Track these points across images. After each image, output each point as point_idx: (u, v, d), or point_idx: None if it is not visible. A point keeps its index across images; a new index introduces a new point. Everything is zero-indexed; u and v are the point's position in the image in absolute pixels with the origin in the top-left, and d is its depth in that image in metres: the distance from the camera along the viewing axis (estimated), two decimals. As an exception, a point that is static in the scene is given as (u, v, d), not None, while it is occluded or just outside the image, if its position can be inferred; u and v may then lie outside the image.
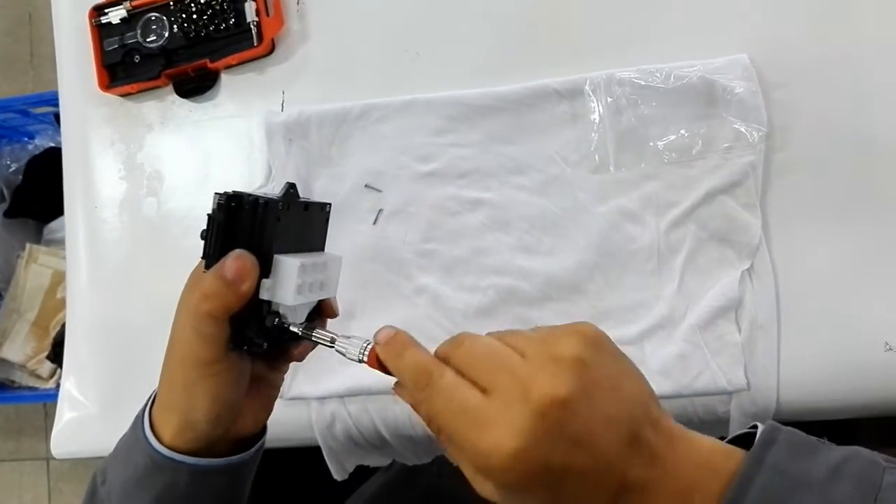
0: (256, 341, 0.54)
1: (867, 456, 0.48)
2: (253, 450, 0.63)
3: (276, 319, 0.54)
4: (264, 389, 0.63)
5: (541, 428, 0.43)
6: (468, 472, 0.47)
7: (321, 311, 0.61)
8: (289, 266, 0.53)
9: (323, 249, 0.59)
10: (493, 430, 0.44)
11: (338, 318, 0.62)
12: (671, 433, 0.47)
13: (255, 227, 0.53)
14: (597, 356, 0.46)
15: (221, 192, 0.53)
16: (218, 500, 0.62)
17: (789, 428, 0.49)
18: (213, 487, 0.60)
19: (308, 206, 0.57)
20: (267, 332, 0.54)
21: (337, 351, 0.54)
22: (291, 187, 0.55)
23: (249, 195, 0.53)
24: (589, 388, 0.44)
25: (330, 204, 0.59)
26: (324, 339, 0.55)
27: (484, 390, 0.45)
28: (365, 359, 0.52)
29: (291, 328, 0.55)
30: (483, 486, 0.46)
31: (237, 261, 0.52)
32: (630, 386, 0.47)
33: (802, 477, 0.45)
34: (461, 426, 0.45)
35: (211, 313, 0.53)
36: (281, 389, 0.66)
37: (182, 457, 0.58)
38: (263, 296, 0.53)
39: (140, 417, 0.61)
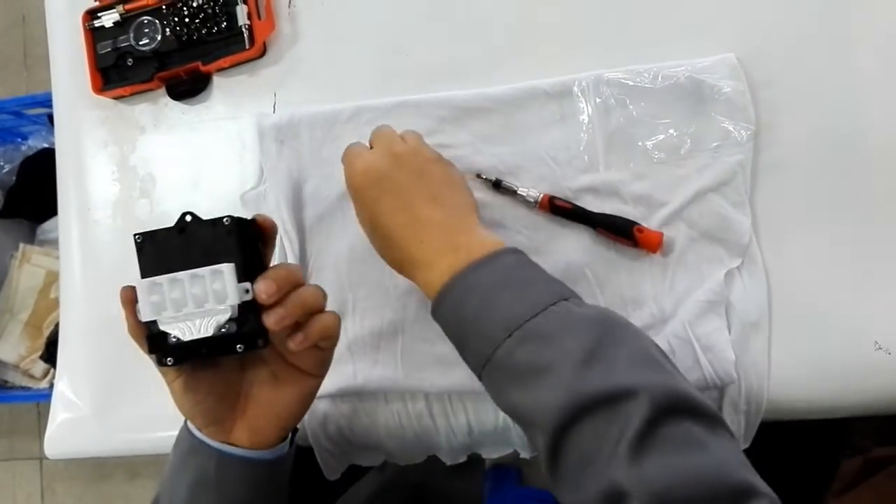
0: (161, 358, 0.60)
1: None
2: (273, 451, 0.67)
3: (149, 332, 0.60)
4: (285, 390, 0.67)
5: (386, 162, 0.70)
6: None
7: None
8: (139, 287, 0.59)
9: (233, 259, 0.59)
10: (360, 158, 0.71)
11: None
12: (465, 216, 0.69)
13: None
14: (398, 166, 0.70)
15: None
16: (245, 497, 0.65)
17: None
18: (239, 479, 0.65)
19: (183, 228, 0.60)
20: (160, 347, 0.60)
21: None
22: (183, 216, 0.61)
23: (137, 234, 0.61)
24: (429, 159, 0.72)
25: (228, 217, 0.60)
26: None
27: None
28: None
29: (171, 339, 0.59)
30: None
31: (120, 293, 0.60)
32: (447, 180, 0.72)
33: (530, 277, 0.64)
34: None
35: (131, 334, 0.61)
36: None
37: (209, 440, 0.64)
38: (139, 317, 0.60)
39: None
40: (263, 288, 0.58)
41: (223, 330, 0.59)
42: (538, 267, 0.65)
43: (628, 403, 0.52)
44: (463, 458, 0.83)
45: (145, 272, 0.60)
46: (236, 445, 0.65)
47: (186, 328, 0.59)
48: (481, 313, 0.61)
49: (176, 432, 0.85)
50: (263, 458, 0.65)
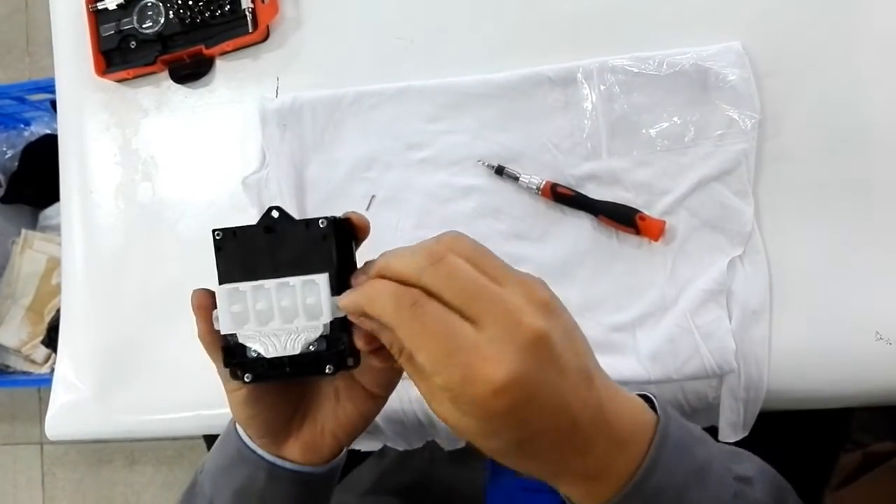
0: (238, 373, 0.55)
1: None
2: (326, 466, 0.64)
3: (225, 343, 0.55)
4: (346, 408, 0.62)
5: (530, 360, 0.45)
6: (439, 399, 0.48)
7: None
8: (218, 295, 0.54)
9: (328, 269, 0.53)
10: (485, 361, 0.44)
11: None
12: (608, 384, 0.50)
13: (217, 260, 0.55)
14: (560, 304, 0.49)
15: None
16: None
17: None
18: (286, 493, 0.62)
19: (271, 227, 0.54)
20: (238, 362, 0.55)
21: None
22: (269, 211, 0.55)
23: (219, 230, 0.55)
24: (565, 329, 0.48)
25: (325, 219, 0.54)
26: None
27: (472, 321, 0.46)
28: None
29: (250, 353, 0.54)
30: (451, 414, 0.47)
31: (193, 296, 0.56)
32: (584, 337, 0.50)
33: (692, 431, 0.52)
34: (449, 354, 0.45)
35: (202, 341, 0.57)
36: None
37: (262, 451, 0.62)
38: (216, 326, 0.55)
39: None
40: (363, 323, 0.51)
41: (311, 348, 0.53)
42: (695, 440, 0.53)
43: None
44: (461, 444, 0.83)
45: (225, 277, 0.54)
46: (287, 459, 0.62)
47: (270, 344, 0.53)
48: None
49: (177, 415, 0.86)
50: (315, 473, 0.63)
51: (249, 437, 0.62)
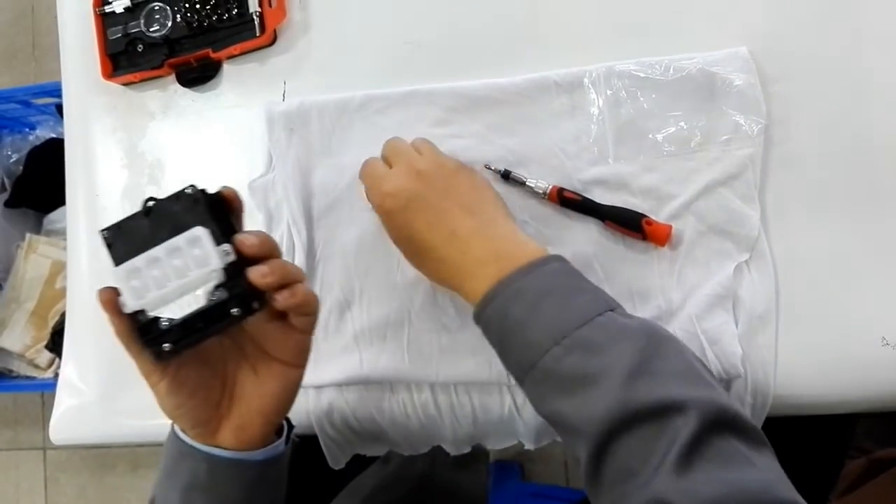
0: (153, 347, 0.57)
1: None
2: (263, 451, 0.65)
3: (138, 324, 0.57)
4: (268, 384, 0.65)
5: (410, 185, 0.70)
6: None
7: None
8: (116, 276, 0.57)
9: (205, 224, 0.58)
10: (384, 180, 0.72)
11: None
12: (506, 225, 0.70)
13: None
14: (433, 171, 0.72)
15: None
16: (238, 498, 0.64)
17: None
18: (230, 481, 0.63)
19: (148, 210, 0.59)
20: (153, 337, 0.57)
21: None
22: (146, 202, 0.59)
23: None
24: (444, 175, 0.72)
25: (191, 186, 0.59)
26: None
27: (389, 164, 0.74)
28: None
29: (163, 324, 0.57)
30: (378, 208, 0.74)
31: (98, 295, 0.58)
32: (473, 187, 0.72)
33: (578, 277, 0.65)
34: (369, 178, 0.75)
35: (119, 336, 0.59)
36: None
37: (197, 444, 0.63)
38: (124, 310, 0.57)
39: None
40: (244, 238, 0.57)
41: (214, 298, 0.56)
42: (582, 276, 0.66)
43: (677, 417, 0.53)
44: (467, 449, 0.83)
45: (119, 261, 0.58)
46: (224, 447, 0.63)
47: (177, 306, 0.57)
48: (527, 320, 0.61)
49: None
50: (253, 459, 0.64)
51: (183, 432, 0.64)
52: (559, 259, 0.66)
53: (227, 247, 0.57)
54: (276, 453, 0.67)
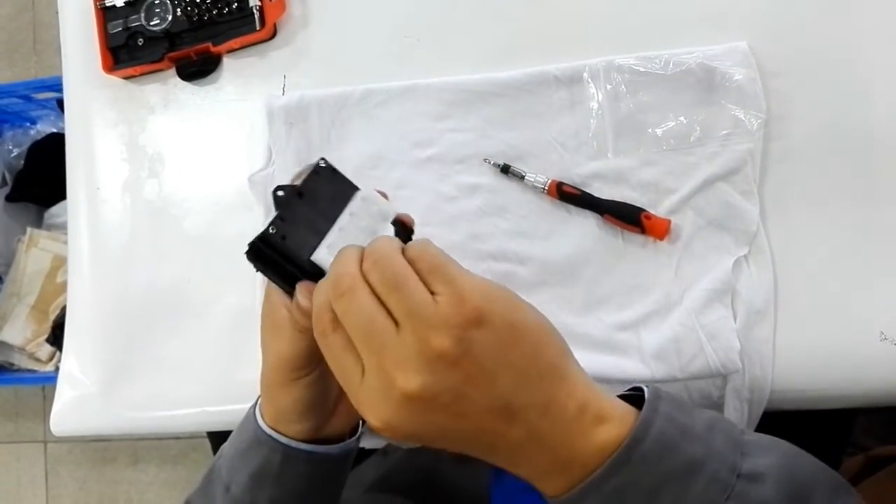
0: None
1: (728, 420, 0.54)
2: (338, 446, 0.66)
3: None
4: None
5: (405, 414, 0.47)
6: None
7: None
8: (321, 260, 0.55)
9: (354, 192, 0.59)
10: (363, 406, 0.49)
11: None
12: (554, 411, 0.49)
13: (279, 255, 0.56)
14: (472, 346, 0.46)
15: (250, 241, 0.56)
16: (305, 490, 0.65)
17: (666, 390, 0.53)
18: (301, 473, 0.65)
19: (300, 191, 0.57)
20: None
21: None
22: (277, 198, 0.58)
23: (258, 237, 0.56)
24: (467, 375, 0.46)
25: (322, 159, 0.59)
26: None
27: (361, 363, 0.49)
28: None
29: None
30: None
31: (303, 299, 0.55)
32: (508, 368, 0.48)
33: (688, 427, 0.50)
34: (345, 385, 0.50)
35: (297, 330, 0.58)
36: None
37: (278, 435, 0.64)
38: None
39: (258, 398, 0.67)
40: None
41: None
42: (683, 424, 0.51)
43: None
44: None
45: (303, 248, 0.56)
46: (328, 438, 0.65)
47: None
48: None
49: (181, 412, 0.86)
50: (329, 454, 0.65)
51: (262, 419, 0.65)
52: (649, 424, 0.49)
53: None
54: (350, 449, 0.68)
